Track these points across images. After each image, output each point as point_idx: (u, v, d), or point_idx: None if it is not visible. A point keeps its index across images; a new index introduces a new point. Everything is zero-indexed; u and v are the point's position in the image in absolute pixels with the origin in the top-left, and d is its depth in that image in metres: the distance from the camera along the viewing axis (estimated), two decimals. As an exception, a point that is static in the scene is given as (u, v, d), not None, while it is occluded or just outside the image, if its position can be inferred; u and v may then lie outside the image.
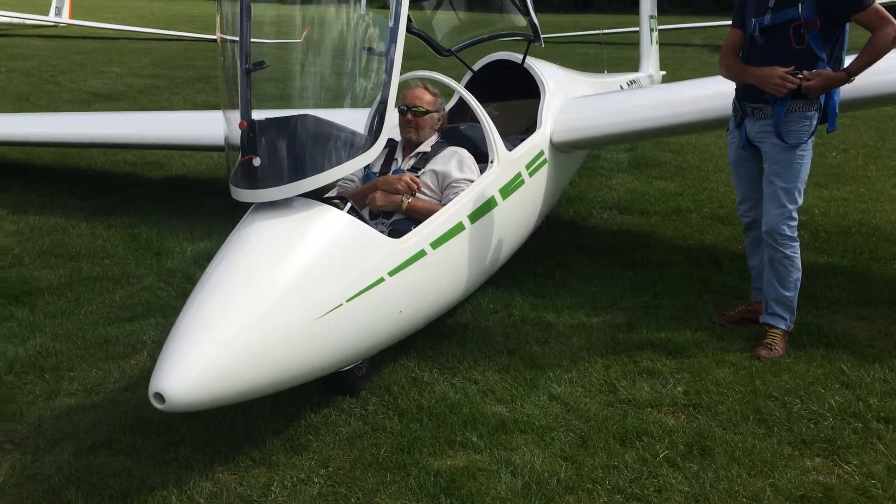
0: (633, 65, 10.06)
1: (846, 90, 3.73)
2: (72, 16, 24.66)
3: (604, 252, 5.21)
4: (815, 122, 3.69)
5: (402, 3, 3.11)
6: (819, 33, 3.57)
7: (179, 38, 22.17)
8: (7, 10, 24.55)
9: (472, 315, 4.21)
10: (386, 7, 3.19)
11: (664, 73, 9.86)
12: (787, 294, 3.82)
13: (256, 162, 3.03)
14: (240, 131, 3.09)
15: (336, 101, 3.37)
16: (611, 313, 4.26)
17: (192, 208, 6.08)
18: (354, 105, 3.35)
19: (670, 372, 3.61)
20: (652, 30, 9.42)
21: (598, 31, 19.33)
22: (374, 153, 3.12)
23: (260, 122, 3.12)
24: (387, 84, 3.10)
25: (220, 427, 3.10)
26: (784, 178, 3.72)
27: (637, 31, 9.72)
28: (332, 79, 3.34)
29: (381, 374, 3.54)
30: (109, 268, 4.78)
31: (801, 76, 3.57)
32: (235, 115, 3.16)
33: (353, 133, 3.19)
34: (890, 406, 3.31)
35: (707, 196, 6.63)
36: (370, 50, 3.27)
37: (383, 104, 3.10)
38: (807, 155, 3.74)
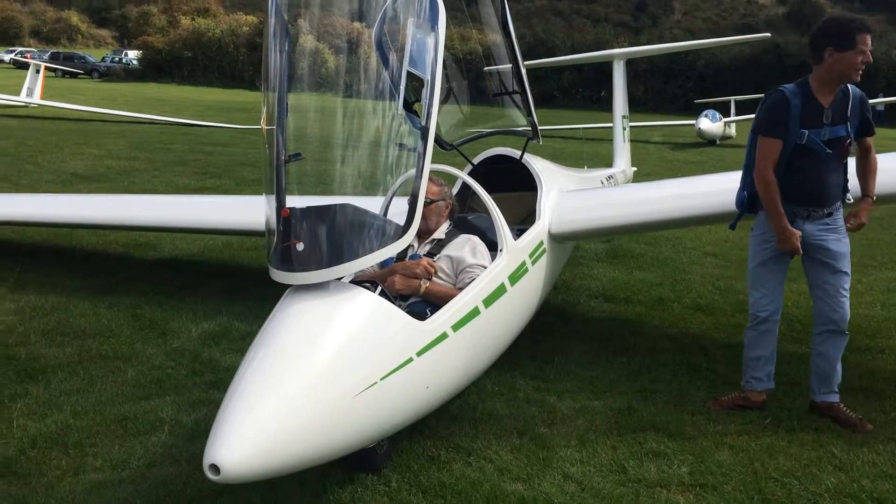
0: (604, 159, 10.60)
1: None
2: (43, 97, 24.87)
3: (596, 338, 5.44)
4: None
5: (433, 103, 3.39)
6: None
7: (153, 122, 22.48)
8: (-22, 90, 24.69)
9: (478, 397, 4.36)
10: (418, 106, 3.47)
11: (635, 168, 10.40)
12: (838, 372, 4.23)
13: (300, 247, 3.22)
14: (281, 217, 3.28)
15: (368, 191, 3.60)
16: (611, 397, 4.45)
17: (190, 289, 6.18)
18: (384, 194, 3.57)
19: (674, 453, 3.79)
20: (624, 128, 9.99)
21: (576, 126, 20.17)
22: (406, 241, 3.33)
23: (302, 209, 3.32)
24: (418, 178, 3.34)
25: (250, 502, 3.17)
26: (844, 269, 4.14)
27: (609, 128, 10.30)
28: (365, 170, 3.58)
29: (399, 452, 3.65)
30: (117, 347, 4.84)
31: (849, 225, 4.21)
32: (275, 202, 3.37)
33: (388, 222, 3.42)
34: (882, 488, 3.52)
35: (685, 287, 6.95)
36: (401, 145, 3.54)
37: (415, 197, 3.33)
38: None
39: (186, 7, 68.95)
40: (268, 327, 3.11)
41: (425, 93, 3.43)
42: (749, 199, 4.31)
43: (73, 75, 51.58)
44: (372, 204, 3.68)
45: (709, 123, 23.00)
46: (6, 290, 5.86)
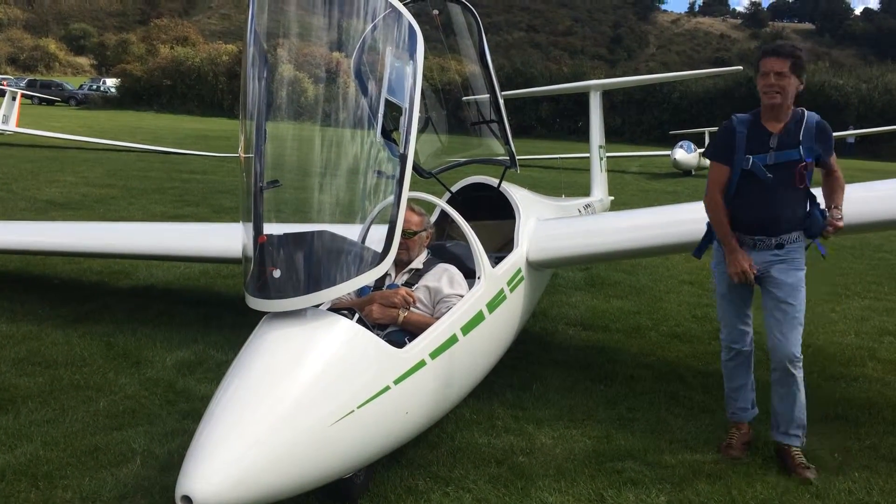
0: (581, 189, 10.69)
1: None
2: (19, 124, 24.67)
3: (574, 366, 5.45)
4: (804, 258, 4.05)
5: (411, 131, 3.41)
6: (809, 174, 3.95)
7: (130, 150, 22.39)
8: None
9: (456, 426, 4.33)
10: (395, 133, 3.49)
11: (612, 197, 10.49)
12: (799, 414, 4.01)
13: (277, 274, 3.20)
14: (257, 244, 3.27)
15: (345, 219, 3.60)
16: (589, 425, 4.44)
17: (165, 317, 6.12)
18: (363, 222, 3.57)
19: (652, 482, 3.78)
20: (601, 158, 10.10)
21: (554, 157, 20.37)
22: (383, 268, 3.33)
23: (278, 236, 3.31)
24: (396, 206, 3.35)
25: (224, 535, 3.11)
26: (796, 304, 3.95)
27: (587, 157, 10.41)
28: (342, 198, 3.57)
29: (376, 482, 3.61)
30: (90, 376, 4.76)
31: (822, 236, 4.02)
32: (250, 229, 3.35)
33: (365, 249, 3.42)
34: (858, 514, 3.53)
35: (662, 315, 6.99)
36: (379, 173, 3.55)
37: (393, 225, 3.33)
38: (805, 286, 4.02)
39: (165, 36, 69.02)
40: (243, 355, 3.08)
41: (403, 120, 3.45)
42: (709, 228, 4.21)
43: (50, 102, 51.31)
44: (350, 231, 3.67)
45: (684, 154, 23.31)
46: (-24, 319, 5.76)
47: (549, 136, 43.18)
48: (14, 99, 25.15)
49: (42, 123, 27.75)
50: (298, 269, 3.29)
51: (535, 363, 5.44)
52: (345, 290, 3.26)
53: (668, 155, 23.94)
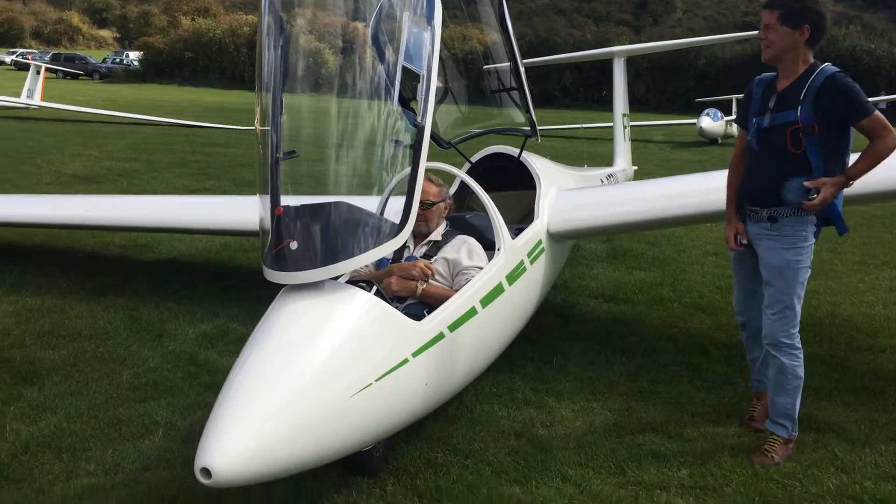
0: (605, 159, 10.56)
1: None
2: (43, 98, 24.85)
3: (595, 339, 5.40)
4: (812, 228, 3.66)
5: (429, 100, 3.35)
6: (818, 139, 3.52)
7: (154, 123, 22.48)
8: (-21, 91, 24.70)
9: (476, 398, 4.32)
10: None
11: (636, 167, 10.36)
12: (785, 401, 3.74)
13: (294, 246, 3.18)
14: (275, 216, 3.24)
15: (363, 190, 3.56)
16: (609, 398, 4.41)
17: (187, 290, 6.15)
18: (381, 193, 3.52)
19: (674, 455, 3.75)
20: (625, 127, 9.95)
21: (576, 126, 20.13)
22: (401, 240, 3.29)
23: (295, 207, 3.28)
24: (413, 177, 3.30)
25: (244, 507, 3.14)
26: (779, 285, 3.66)
27: (610, 127, 10.26)
28: (360, 168, 3.53)
29: (395, 455, 3.61)
30: (113, 349, 4.81)
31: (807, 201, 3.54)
32: (267, 201, 3.33)
33: (383, 220, 3.38)
34: (885, 489, 3.48)
35: (686, 286, 6.90)
36: (396, 143, 3.49)
37: (410, 195, 3.29)
38: (803, 261, 3.66)
39: (187, 7, 68.95)
40: (261, 328, 3.07)
41: (421, 89, 3.39)
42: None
43: (74, 76, 51.63)
44: (368, 202, 3.64)
45: (710, 122, 22.94)
46: (3, 293, 5.83)
47: (572, 106, 42.73)
48: (38, 73, 25.33)
49: (66, 97, 27.96)
50: (315, 241, 3.26)
51: (556, 336, 5.40)
52: (362, 261, 3.23)
53: (694, 123, 23.58)
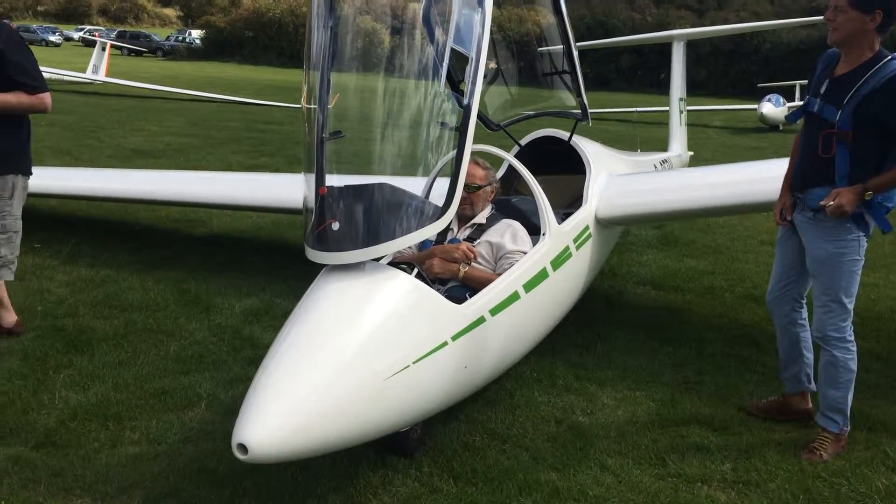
0: (660, 144, 10.34)
1: None
2: (108, 74, 25.49)
3: (641, 327, 5.31)
4: (854, 231, 3.51)
5: (477, 82, 3.30)
6: (849, 147, 3.41)
7: (212, 100, 22.86)
8: (47, 67, 25.42)
9: (516, 383, 4.29)
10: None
11: (692, 153, 10.12)
12: (836, 395, 3.63)
13: (335, 226, 3.18)
14: (318, 196, 3.24)
15: (408, 171, 3.54)
16: (653, 388, 4.33)
17: (235, 264, 6.24)
18: (426, 175, 3.50)
19: (717, 448, 3.67)
20: (681, 112, 9.72)
21: (631, 109, 19.78)
22: (444, 222, 3.26)
23: (339, 188, 3.28)
24: (459, 159, 3.26)
25: (282, 482, 3.18)
26: (823, 279, 3.59)
27: (667, 111, 10.04)
28: (405, 149, 3.51)
29: (433, 437, 3.61)
30: (162, 321, 4.90)
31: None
32: (312, 180, 3.33)
33: (426, 202, 3.35)
34: (938, 492, 3.34)
35: (738, 276, 6.73)
36: (443, 124, 3.45)
37: (455, 177, 3.25)
38: (848, 254, 3.52)
39: (247, -14, 69.61)
40: (301, 307, 3.08)
41: (469, 71, 3.34)
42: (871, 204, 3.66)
43: (139, 53, 52.78)
44: (414, 184, 3.61)
45: (772, 108, 22.28)
46: (60, 263, 6.00)
47: (628, 89, 42.04)
48: (104, 49, 26.04)
49: (130, 74, 28.57)
50: (358, 221, 3.25)
51: (601, 322, 5.32)
52: (404, 243, 3.21)
53: (755, 109, 22.94)
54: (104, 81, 24.78)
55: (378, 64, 3.61)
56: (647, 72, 43.88)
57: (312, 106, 3.42)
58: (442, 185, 3.52)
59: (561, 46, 4.92)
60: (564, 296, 4.43)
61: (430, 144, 3.51)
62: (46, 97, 4.19)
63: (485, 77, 5.03)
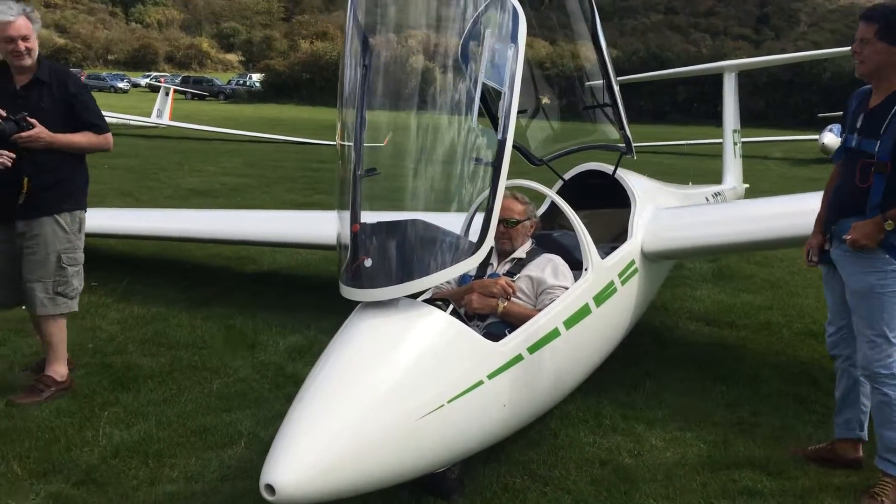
0: (714, 176, 10.13)
1: None
2: (172, 118, 26.40)
3: (693, 364, 5.13)
4: (892, 262, 3.38)
5: (511, 116, 3.27)
6: (886, 178, 3.34)
7: (269, 140, 23.43)
8: (113, 112, 26.49)
9: (560, 422, 4.17)
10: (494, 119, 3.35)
11: (747, 185, 9.89)
12: (893, 436, 3.46)
13: (368, 263, 3.17)
14: (352, 233, 3.24)
15: (443, 208, 3.51)
16: (704, 429, 4.16)
17: (283, 301, 6.28)
18: (462, 210, 3.47)
19: (771, 493, 3.49)
20: (735, 143, 9.53)
21: (681, 143, 19.52)
22: (478, 258, 3.22)
23: (372, 224, 3.27)
24: (493, 193, 3.22)
25: (315, 523, 3.12)
26: (864, 312, 3.46)
27: (719, 143, 9.85)
28: (440, 186, 3.49)
29: (471, 478, 3.52)
30: (207, 358, 4.95)
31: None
32: (347, 217, 3.33)
33: (460, 238, 3.32)
34: None
35: (797, 311, 6.50)
36: (478, 160, 3.43)
37: (489, 212, 3.21)
38: (890, 285, 3.38)
39: (306, 31, 71.78)
40: (334, 345, 3.06)
41: (503, 105, 3.31)
42: None
43: (202, 98, 54.59)
44: (452, 220, 3.58)
45: (833, 138, 21.61)
46: (113, 300, 6.13)
47: (684, 122, 41.58)
48: (167, 94, 26.99)
49: (192, 117, 29.50)
50: (390, 258, 3.24)
51: (651, 360, 5.17)
52: (437, 280, 3.18)
53: (816, 139, 22.38)
54: (168, 125, 25.65)
55: (412, 100, 3.62)
56: (704, 104, 43.40)
57: (347, 143, 3.44)
58: (480, 220, 3.48)
59: (601, 81, 4.87)
60: (609, 332, 4.32)
61: (465, 180, 3.48)
62: (110, 138, 4.40)
63: (525, 111, 5.05)
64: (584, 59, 5.03)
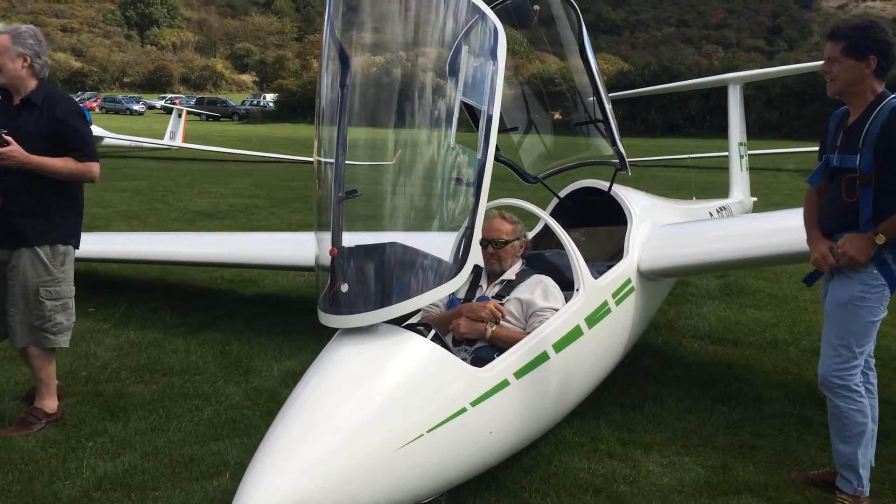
0: (723, 190, 10.01)
1: None
2: (185, 139, 26.60)
3: (696, 384, 5.02)
4: (880, 279, 3.34)
5: (491, 136, 3.21)
6: (873, 191, 3.30)
7: (279, 161, 23.52)
8: (127, 134, 26.78)
9: (555, 447, 4.07)
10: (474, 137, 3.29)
11: (755, 199, 9.75)
12: (846, 450, 3.42)
13: (345, 288, 3.10)
14: (330, 257, 3.18)
15: (423, 228, 3.44)
16: (704, 453, 4.04)
17: (281, 325, 6.22)
18: (442, 231, 3.40)
19: (771, 521, 3.37)
20: (742, 156, 9.41)
21: (686, 156, 19.38)
22: (459, 282, 3.14)
23: (349, 249, 3.21)
24: (473, 213, 3.15)
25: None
26: (838, 321, 3.41)
27: (726, 156, 9.74)
28: (420, 206, 3.42)
29: (460, 508, 3.42)
30: (200, 385, 4.88)
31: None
32: (326, 240, 3.27)
33: (440, 261, 3.24)
34: None
35: (805, 328, 6.36)
36: (458, 180, 3.36)
37: (469, 232, 3.14)
38: (869, 300, 3.34)
39: (318, 51, 72.23)
40: (310, 373, 2.99)
41: (482, 124, 3.25)
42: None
43: (216, 118, 55.07)
44: (433, 241, 3.49)
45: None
46: (111, 326, 6.10)
47: (697, 135, 41.40)
48: (180, 116, 27.24)
49: (205, 138, 29.73)
50: (368, 283, 3.17)
51: (651, 380, 5.06)
52: (417, 304, 3.10)
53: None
54: (181, 147, 25.85)
55: (390, 121, 3.56)
56: (716, 116, 43.18)
57: (328, 161, 3.38)
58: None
59: (591, 97, 4.80)
60: (603, 355, 4.22)
61: (449, 201, 3.41)
62: (94, 167, 4.21)
63: (516, 128, 4.98)
64: (575, 75, 4.96)
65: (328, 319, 3.12)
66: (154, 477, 3.69)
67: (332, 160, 3.37)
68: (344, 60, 3.47)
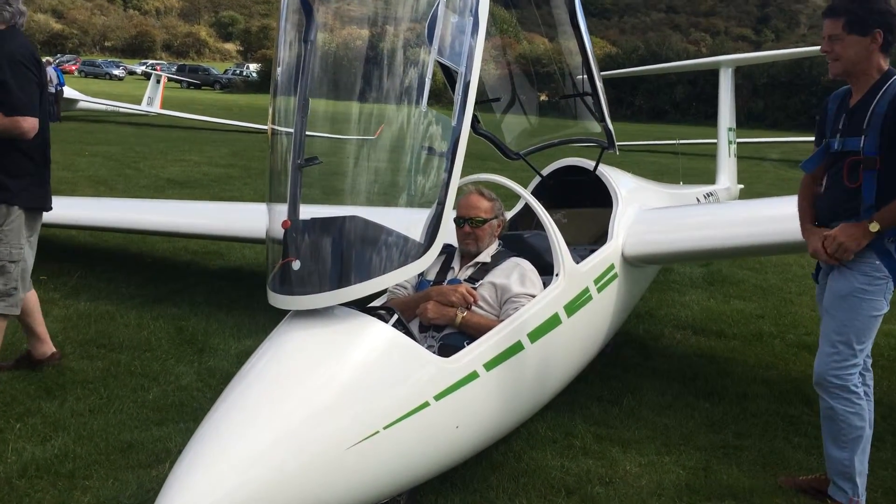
0: (709, 177, 9.75)
1: None
2: (163, 106, 25.97)
3: (677, 378, 4.76)
4: (883, 270, 3.11)
5: (468, 103, 2.88)
6: (877, 175, 3.06)
7: (259, 131, 22.98)
8: (104, 99, 26.13)
9: (527, 443, 3.79)
10: (450, 105, 2.95)
11: (742, 186, 9.51)
12: (841, 456, 3.20)
13: (296, 265, 2.78)
14: (282, 231, 2.85)
15: (390, 202, 3.11)
16: (685, 452, 3.78)
17: (244, 301, 5.88)
18: (410, 206, 3.08)
19: (755, 531, 3.11)
20: (730, 142, 9.15)
21: (674, 142, 19.15)
22: (426, 262, 2.83)
23: (304, 222, 2.88)
24: (445, 187, 2.84)
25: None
26: (838, 316, 3.17)
27: (714, 143, 9.48)
28: (388, 178, 3.09)
29: (421, 507, 3.14)
30: (149, 363, 4.55)
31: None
32: (280, 213, 2.94)
33: (406, 238, 2.92)
34: None
35: (791, 320, 6.13)
36: (430, 150, 3.03)
37: (440, 207, 2.82)
38: (871, 293, 3.12)
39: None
40: (253, 360, 2.67)
41: (458, 88, 2.92)
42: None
43: (198, 86, 54.10)
44: (409, 217, 3.17)
45: (833, 140, 21.33)
46: (61, 296, 5.73)
47: (683, 121, 41.20)
48: (158, 82, 26.59)
49: (185, 106, 29.04)
50: (325, 260, 2.84)
51: (631, 372, 4.79)
52: (378, 286, 2.78)
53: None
54: (158, 113, 25.23)
55: (357, 85, 3.21)
56: (702, 103, 43.01)
57: (286, 129, 3.04)
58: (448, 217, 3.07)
59: (581, 69, 4.47)
60: (582, 345, 3.93)
61: (419, 173, 3.08)
62: (23, 121, 3.84)
63: (498, 99, 4.65)
64: (566, 47, 4.63)
65: (277, 300, 2.80)
66: (86, 464, 3.37)
67: (291, 126, 3.03)
68: (308, 13, 3.12)
